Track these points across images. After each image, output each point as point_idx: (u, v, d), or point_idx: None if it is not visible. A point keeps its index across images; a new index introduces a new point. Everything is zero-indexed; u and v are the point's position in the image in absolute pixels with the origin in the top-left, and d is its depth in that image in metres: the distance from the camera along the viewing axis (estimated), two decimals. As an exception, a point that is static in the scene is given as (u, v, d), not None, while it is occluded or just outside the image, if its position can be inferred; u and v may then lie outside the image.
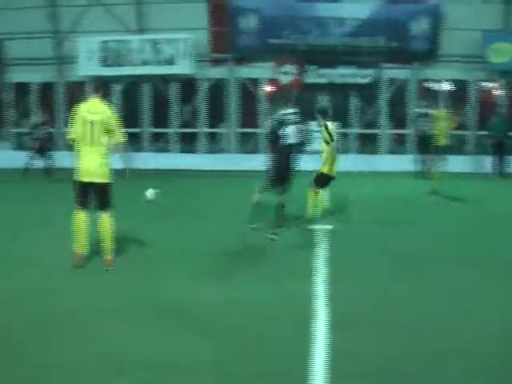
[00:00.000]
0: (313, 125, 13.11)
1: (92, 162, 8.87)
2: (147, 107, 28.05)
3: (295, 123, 11.50)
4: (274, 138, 11.57)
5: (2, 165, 26.47)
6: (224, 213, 14.26)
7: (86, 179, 8.88)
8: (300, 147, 11.64)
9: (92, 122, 8.85)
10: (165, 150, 27.69)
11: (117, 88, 27.93)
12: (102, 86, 10.23)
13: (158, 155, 27.11)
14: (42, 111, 25.54)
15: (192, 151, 27.66)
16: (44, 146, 23.66)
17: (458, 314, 6.89)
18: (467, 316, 6.83)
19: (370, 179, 22.31)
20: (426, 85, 27.09)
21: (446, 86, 26.90)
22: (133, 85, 28.05)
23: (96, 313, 6.91)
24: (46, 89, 29.13)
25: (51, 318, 6.70)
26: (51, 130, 25.21)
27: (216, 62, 27.46)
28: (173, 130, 27.84)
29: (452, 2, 25.05)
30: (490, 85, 26.61)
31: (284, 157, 11.47)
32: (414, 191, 18.98)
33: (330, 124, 12.84)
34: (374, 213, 14.69)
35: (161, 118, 27.88)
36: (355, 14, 26.03)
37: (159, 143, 27.64)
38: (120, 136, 9.07)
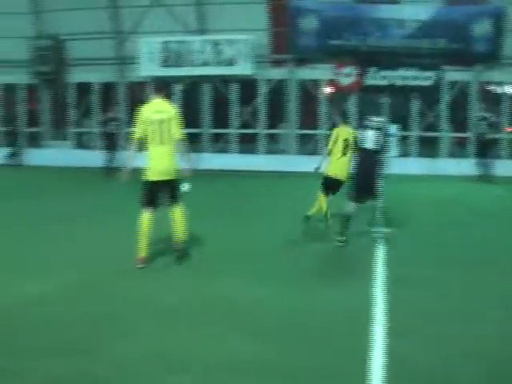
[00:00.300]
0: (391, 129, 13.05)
1: (163, 161, 9.02)
2: (207, 108, 28.17)
3: (376, 129, 11.27)
4: (357, 144, 11.46)
5: (65, 164, 26.97)
6: (284, 214, 14.25)
7: (157, 178, 9.00)
8: (380, 153, 11.34)
9: (159, 121, 8.98)
10: (224, 151, 27.74)
11: (177, 88, 28.08)
12: (165, 87, 10.37)
13: (218, 156, 27.23)
14: (113, 108, 25.74)
15: (251, 152, 27.69)
16: (112, 143, 23.87)
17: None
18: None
19: (430, 182, 22.19)
20: (488, 87, 26.78)
21: (509, 89, 26.55)
22: (193, 85, 28.19)
23: (156, 312, 6.97)
24: (107, 89, 29.44)
25: (110, 316, 6.82)
26: (120, 126, 25.36)
27: (276, 63, 27.47)
28: (232, 131, 27.92)
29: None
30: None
31: (365, 163, 11.24)
32: (476, 195, 18.82)
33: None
34: (435, 216, 14.61)
35: (220, 119, 27.97)
36: (416, 15, 25.77)
37: (219, 144, 27.68)
38: (180, 135, 9.15)
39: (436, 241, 11.50)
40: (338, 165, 12.63)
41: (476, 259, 9.92)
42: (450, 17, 25.51)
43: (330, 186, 12.80)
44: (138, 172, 9.04)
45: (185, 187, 9.24)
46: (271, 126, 27.81)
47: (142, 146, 9.10)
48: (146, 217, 9.00)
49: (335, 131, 13.00)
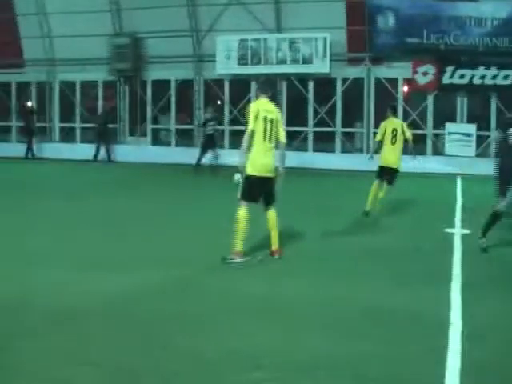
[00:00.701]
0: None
1: (268, 158, 9.32)
2: (284, 106, 28.25)
3: None
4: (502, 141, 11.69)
5: (144, 160, 27.44)
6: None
7: (261, 174, 9.24)
8: None
9: (269, 120, 9.27)
10: (302, 149, 27.74)
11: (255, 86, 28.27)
12: (272, 87, 10.58)
13: (295, 153, 27.29)
14: (212, 107, 25.77)
15: (328, 150, 27.70)
16: (210, 143, 24.15)
17: None
18: None
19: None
20: None
21: None
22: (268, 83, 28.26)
23: (241, 312, 7.03)
24: (185, 86, 29.79)
25: (193, 312, 6.95)
26: (219, 127, 25.62)
27: (353, 61, 27.42)
28: (309, 129, 27.97)
29: None
30: None
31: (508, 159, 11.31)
32: None
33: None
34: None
35: (297, 117, 28.04)
36: (495, 13, 25.37)
37: (295, 142, 27.73)
38: (283, 136, 9.55)
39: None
40: (389, 154, 14.06)
41: None
42: (529, 14, 25.11)
43: (383, 174, 14.12)
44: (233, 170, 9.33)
45: (236, 178, 9.31)
46: (347, 124, 27.75)
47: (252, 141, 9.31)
48: (244, 211, 9.21)
49: (383, 123, 14.48)
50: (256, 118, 9.21)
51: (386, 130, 14.19)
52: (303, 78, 27.74)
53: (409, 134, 14.49)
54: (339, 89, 27.51)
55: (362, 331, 6.42)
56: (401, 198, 15.47)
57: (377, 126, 26.87)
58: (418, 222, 13.51)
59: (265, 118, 9.23)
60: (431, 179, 22.73)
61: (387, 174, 14.12)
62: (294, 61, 27.21)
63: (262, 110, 9.31)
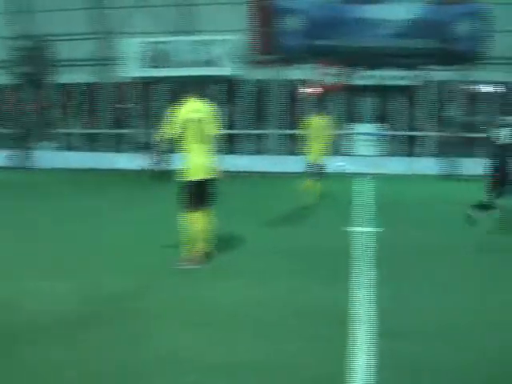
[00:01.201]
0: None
1: (203, 160, 8.93)
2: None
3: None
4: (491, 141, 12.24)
5: (52, 165, 26.82)
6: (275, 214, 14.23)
7: (199, 177, 8.92)
8: None
9: (196, 120, 8.92)
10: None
11: (161, 89, 28.07)
12: (197, 86, 10.31)
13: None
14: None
15: (234, 152, 27.68)
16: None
17: None
18: None
19: (410, 181, 22.59)
20: (470, 87, 27.06)
21: (492, 89, 26.89)
22: (178, 85, 28.14)
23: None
24: (91, 90, 29.32)
25: (135, 315, 6.83)
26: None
27: (261, 64, 27.48)
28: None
29: (498, 3, 24.83)
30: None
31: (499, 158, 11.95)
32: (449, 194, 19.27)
33: None
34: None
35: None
36: (399, 15, 26.01)
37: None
38: (216, 132, 9.10)
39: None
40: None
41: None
42: (433, 17, 25.79)
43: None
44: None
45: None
46: (255, 126, 27.77)
47: (176, 145, 9.08)
48: (190, 217, 8.99)
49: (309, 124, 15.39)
50: (183, 120, 8.92)
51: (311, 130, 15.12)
52: (212, 81, 27.63)
53: (330, 133, 15.55)
54: (247, 91, 27.50)
55: (282, 331, 6.41)
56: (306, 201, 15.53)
57: (285, 127, 27.42)
58: (324, 221, 13.47)
59: (192, 120, 8.92)
60: (344, 179, 22.78)
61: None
62: (203, 63, 27.13)
63: (188, 111, 8.99)
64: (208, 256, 9.22)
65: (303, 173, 15.44)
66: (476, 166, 23.80)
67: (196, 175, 8.93)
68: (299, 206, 14.77)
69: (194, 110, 9.03)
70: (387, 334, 6.22)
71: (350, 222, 12.93)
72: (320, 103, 26.84)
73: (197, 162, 8.93)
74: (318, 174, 15.26)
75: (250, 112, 27.63)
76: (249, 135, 27.83)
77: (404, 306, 7.26)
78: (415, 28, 25.79)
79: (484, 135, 13.88)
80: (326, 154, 15.54)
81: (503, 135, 12.02)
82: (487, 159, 12.34)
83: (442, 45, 25.77)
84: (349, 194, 18.21)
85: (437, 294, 7.82)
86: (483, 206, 12.00)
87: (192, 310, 7.13)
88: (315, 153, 15.23)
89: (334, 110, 26.84)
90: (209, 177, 9.00)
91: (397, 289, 7.97)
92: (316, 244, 11.00)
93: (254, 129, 27.87)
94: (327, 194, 16.01)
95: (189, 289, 7.96)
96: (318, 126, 15.33)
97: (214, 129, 9.09)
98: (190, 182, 8.95)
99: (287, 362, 5.59)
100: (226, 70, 27.01)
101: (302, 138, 15.44)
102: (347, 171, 24.46)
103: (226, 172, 9.24)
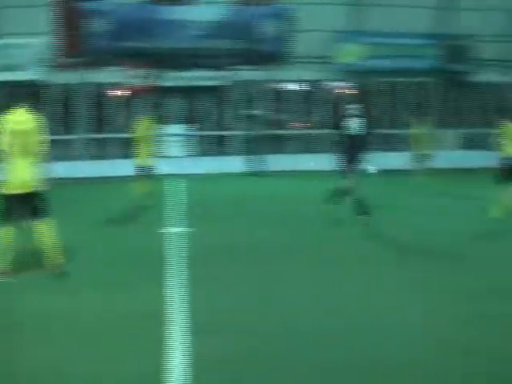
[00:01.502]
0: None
1: (26, 173, 8.54)
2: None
3: (357, 116, 12.69)
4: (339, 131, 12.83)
5: None
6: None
7: (20, 191, 8.53)
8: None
9: (20, 132, 8.51)
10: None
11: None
12: (30, 94, 9.85)
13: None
14: None
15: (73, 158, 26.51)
16: None
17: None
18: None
19: (220, 180, 22.97)
20: (277, 86, 27.68)
21: (298, 87, 27.64)
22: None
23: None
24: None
25: None
26: None
27: (65, 67, 26.54)
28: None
29: (302, 3, 25.56)
30: (340, 84, 27.56)
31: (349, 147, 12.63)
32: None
33: None
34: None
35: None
36: (207, 16, 26.23)
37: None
38: (42, 145, 8.70)
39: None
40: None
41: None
42: (238, 17, 26.26)
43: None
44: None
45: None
46: (62, 131, 26.78)
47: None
48: (5, 231, 8.54)
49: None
50: (6, 132, 8.48)
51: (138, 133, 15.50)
52: (14, 86, 26.41)
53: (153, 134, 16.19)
54: (53, 96, 26.56)
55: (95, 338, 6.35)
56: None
57: (93, 131, 26.57)
58: (146, 223, 13.47)
59: (15, 131, 8.48)
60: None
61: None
62: (5, 68, 25.84)
63: (10, 122, 8.55)
64: (56, 267, 8.81)
65: (134, 176, 15.51)
66: (283, 161, 24.99)
67: (16, 188, 8.53)
68: (129, 208, 14.73)
69: (17, 121, 8.61)
70: (200, 332, 6.31)
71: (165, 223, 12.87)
72: (129, 105, 26.52)
73: (18, 175, 8.53)
74: (146, 176, 15.32)
75: (56, 117, 26.59)
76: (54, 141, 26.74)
77: (216, 305, 7.35)
78: (222, 29, 26.06)
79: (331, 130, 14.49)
80: (153, 156, 15.68)
81: (353, 127, 12.62)
82: (338, 153, 12.73)
83: (248, 45, 26.20)
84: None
85: (245, 292, 7.96)
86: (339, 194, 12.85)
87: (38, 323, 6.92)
88: (143, 155, 15.38)
89: (144, 112, 26.53)
90: (33, 190, 8.61)
91: (209, 288, 8.06)
92: (133, 246, 11.00)
93: (62, 134, 26.82)
94: (156, 196, 15.92)
95: (39, 302, 7.71)
96: (143, 128, 15.55)
97: (40, 139, 8.69)
98: (10, 195, 8.53)
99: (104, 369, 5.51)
100: (28, 75, 25.82)
101: (132, 141, 15.72)
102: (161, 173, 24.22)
103: (57, 180, 8.93)
